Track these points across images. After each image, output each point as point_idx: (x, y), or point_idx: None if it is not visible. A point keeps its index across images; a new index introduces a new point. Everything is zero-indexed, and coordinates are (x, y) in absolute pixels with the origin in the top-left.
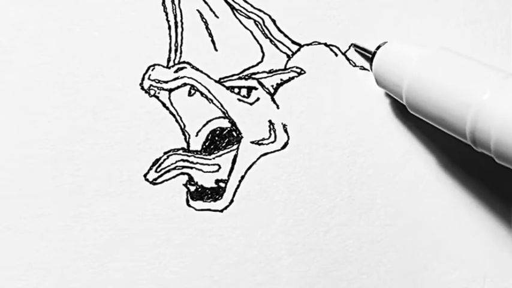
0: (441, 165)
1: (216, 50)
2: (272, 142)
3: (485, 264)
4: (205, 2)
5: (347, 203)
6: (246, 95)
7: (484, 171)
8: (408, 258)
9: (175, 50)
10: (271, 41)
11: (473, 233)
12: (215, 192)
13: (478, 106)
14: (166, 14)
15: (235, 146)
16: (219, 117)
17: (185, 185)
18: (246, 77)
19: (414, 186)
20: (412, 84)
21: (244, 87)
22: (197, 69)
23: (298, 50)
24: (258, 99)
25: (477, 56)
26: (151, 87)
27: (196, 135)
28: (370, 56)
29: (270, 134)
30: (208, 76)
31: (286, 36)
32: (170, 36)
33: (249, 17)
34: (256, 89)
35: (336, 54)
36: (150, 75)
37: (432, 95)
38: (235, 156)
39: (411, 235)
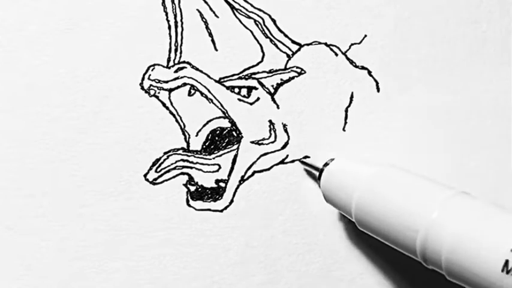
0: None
1: (216, 50)
2: (272, 142)
3: None
4: (205, 2)
5: None
6: (246, 95)
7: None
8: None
9: (175, 50)
10: (271, 40)
11: None
12: (215, 192)
13: (427, 225)
14: (166, 14)
15: (235, 146)
16: (219, 117)
17: (185, 185)
18: (246, 77)
19: None
20: (361, 203)
21: (244, 87)
22: (197, 69)
23: (298, 49)
24: (258, 99)
25: (477, 56)
26: (151, 87)
27: (196, 135)
28: (317, 173)
29: (270, 134)
30: (208, 76)
31: (286, 36)
32: (170, 36)
33: (249, 17)
34: (256, 88)
35: (336, 54)
36: (150, 75)
37: (381, 214)
38: (235, 156)
39: None
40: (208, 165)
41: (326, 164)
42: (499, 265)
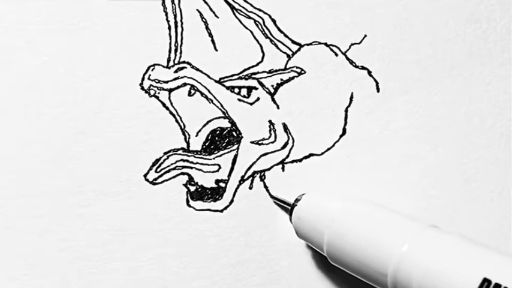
0: None
1: (216, 50)
2: (272, 142)
3: None
4: (205, 2)
5: None
6: (246, 95)
7: None
8: None
9: (175, 50)
10: (271, 40)
11: None
12: (215, 192)
13: (397, 259)
14: (166, 14)
15: (235, 146)
16: (219, 117)
17: (185, 185)
18: (246, 77)
19: None
20: (331, 239)
21: (244, 87)
22: (197, 69)
23: (298, 50)
24: (258, 99)
25: (477, 56)
26: (151, 87)
27: (196, 135)
28: (289, 208)
29: (270, 134)
30: (208, 76)
31: (286, 36)
32: (170, 36)
33: (249, 17)
34: (256, 89)
35: (336, 54)
36: (150, 75)
37: (353, 248)
38: (235, 156)
39: None
40: (208, 165)
41: (297, 200)
42: None
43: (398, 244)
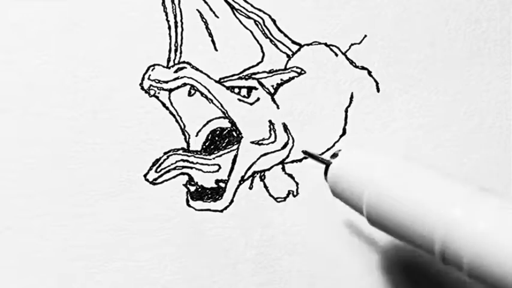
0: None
1: (216, 50)
2: (272, 142)
3: None
4: (205, 2)
5: None
6: (246, 95)
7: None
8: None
9: (175, 50)
10: (271, 41)
11: None
12: (215, 192)
13: (448, 223)
14: (166, 14)
15: (235, 146)
16: (219, 117)
17: (185, 185)
18: (246, 77)
19: None
20: (373, 199)
21: (244, 87)
22: (197, 69)
23: (298, 50)
24: (258, 99)
25: (477, 56)
26: (151, 87)
27: (196, 135)
28: (324, 166)
29: (270, 134)
30: (208, 76)
31: (286, 36)
32: (170, 36)
33: (249, 17)
34: (256, 89)
35: (336, 54)
36: (150, 75)
37: (396, 210)
38: (235, 157)
39: None
40: (208, 165)
41: (334, 155)
42: None
43: (450, 207)
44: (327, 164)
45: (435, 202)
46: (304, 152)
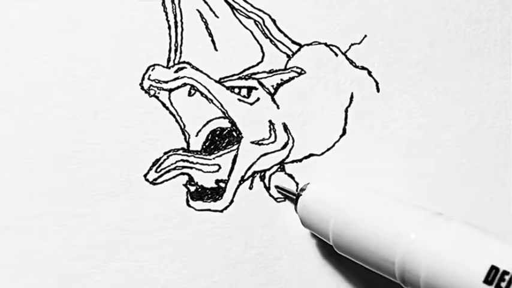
0: None
1: (216, 50)
2: (272, 142)
3: None
4: (205, 2)
5: None
6: (246, 95)
7: None
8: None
9: (175, 50)
10: (271, 41)
11: None
12: (215, 192)
13: (405, 246)
14: (166, 14)
15: (235, 146)
16: (219, 117)
17: (185, 185)
18: (246, 77)
19: None
20: (337, 228)
21: (244, 87)
22: (197, 69)
23: (298, 50)
24: (258, 99)
25: (477, 56)
26: (151, 87)
27: (196, 135)
28: (294, 197)
29: (270, 134)
30: (208, 76)
31: (286, 36)
32: (170, 36)
33: (249, 17)
34: (256, 89)
35: (336, 54)
36: (150, 75)
37: (359, 237)
38: (236, 157)
39: None
40: (208, 165)
41: (302, 189)
42: (479, 282)
43: (406, 232)
44: (297, 197)
45: (393, 228)
46: (276, 187)
